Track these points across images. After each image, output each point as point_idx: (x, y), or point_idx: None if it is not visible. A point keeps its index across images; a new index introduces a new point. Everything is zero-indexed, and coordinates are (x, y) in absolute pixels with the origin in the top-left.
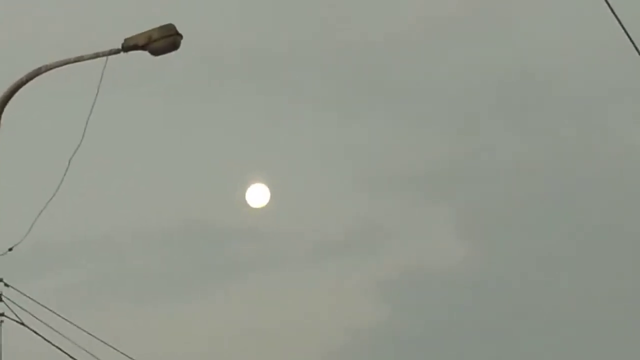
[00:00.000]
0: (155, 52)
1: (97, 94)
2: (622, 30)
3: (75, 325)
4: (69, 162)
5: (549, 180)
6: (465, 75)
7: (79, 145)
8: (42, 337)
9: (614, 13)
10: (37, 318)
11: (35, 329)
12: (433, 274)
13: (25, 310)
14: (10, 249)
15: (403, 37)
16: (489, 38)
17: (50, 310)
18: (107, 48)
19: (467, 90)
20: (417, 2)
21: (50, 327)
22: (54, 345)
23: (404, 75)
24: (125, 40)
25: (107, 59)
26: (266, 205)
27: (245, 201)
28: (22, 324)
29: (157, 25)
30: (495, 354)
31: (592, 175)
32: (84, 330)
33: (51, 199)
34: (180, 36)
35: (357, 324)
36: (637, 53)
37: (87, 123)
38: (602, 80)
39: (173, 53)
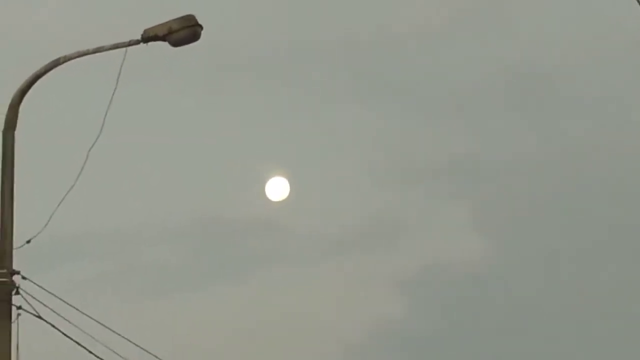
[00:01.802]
0: (176, 43)
1: (116, 86)
2: (632, 26)
3: (92, 318)
4: (88, 154)
5: (568, 176)
6: (483, 68)
7: (97, 138)
8: (60, 331)
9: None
10: (54, 311)
11: (52, 322)
12: (451, 270)
13: (43, 304)
14: (28, 241)
15: (425, 28)
16: (510, 31)
17: (68, 304)
18: (126, 39)
19: (486, 84)
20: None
21: (68, 321)
22: (71, 338)
23: (424, 69)
24: (145, 31)
25: (126, 50)
26: (286, 199)
27: (265, 194)
28: (40, 317)
29: (176, 16)
30: (514, 351)
31: (613, 172)
32: (101, 324)
33: (69, 191)
34: (201, 27)
35: (375, 319)
36: None
37: (105, 115)
38: (612, 75)
39: (193, 45)
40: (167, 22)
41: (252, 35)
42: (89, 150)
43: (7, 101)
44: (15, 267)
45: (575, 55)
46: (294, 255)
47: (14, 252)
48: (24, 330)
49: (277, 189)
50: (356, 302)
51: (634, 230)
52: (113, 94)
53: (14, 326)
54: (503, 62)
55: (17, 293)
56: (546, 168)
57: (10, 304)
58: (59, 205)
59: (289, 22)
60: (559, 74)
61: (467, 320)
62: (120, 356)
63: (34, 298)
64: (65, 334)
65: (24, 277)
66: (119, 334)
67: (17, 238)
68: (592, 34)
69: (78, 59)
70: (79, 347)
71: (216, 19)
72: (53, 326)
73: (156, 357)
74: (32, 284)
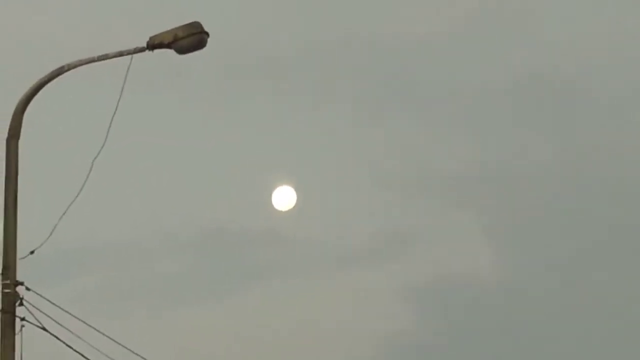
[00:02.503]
0: (181, 51)
1: (121, 94)
2: None
3: (96, 329)
4: (92, 164)
5: (580, 186)
6: (492, 77)
7: (102, 147)
8: (64, 342)
9: None
10: (58, 323)
11: (56, 334)
12: (460, 280)
13: (47, 315)
14: (32, 252)
15: (430, 38)
16: (515, 39)
17: (72, 315)
18: (132, 46)
19: (493, 93)
20: (429, 9)
21: (72, 332)
22: (75, 350)
23: (431, 78)
24: (151, 38)
25: (132, 58)
26: (292, 208)
27: (272, 204)
28: (44, 328)
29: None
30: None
31: (622, 180)
32: (106, 335)
33: (73, 201)
34: (207, 34)
35: (383, 331)
36: None
37: (110, 124)
38: (628, 81)
39: (199, 53)
40: (172, 30)
41: (257, 43)
42: (94, 160)
43: (11, 109)
44: (19, 278)
45: (589, 61)
46: (300, 266)
47: (18, 263)
48: (28, 342)
49: (284, 198)
50: (363, 314)
51: None
52: (118, 103)
53: (17, 337)
54: (514, 68)
55: (21, 304)
56: (556, 178)
57: (14, 315)
58: (62, 215)
59: (295, 28)
60: (571, 81)
61: (475, 331)
62: None
63: (38, 309)
64: (69, 346)
65: (27, 288)
66: (125, 346)
67: (21, 249)
68: (604, 38)
69: (83, 66)
70: (83, 358)
71: (220, 25)
72: (57, 338)
73: None
74: (36, 295)
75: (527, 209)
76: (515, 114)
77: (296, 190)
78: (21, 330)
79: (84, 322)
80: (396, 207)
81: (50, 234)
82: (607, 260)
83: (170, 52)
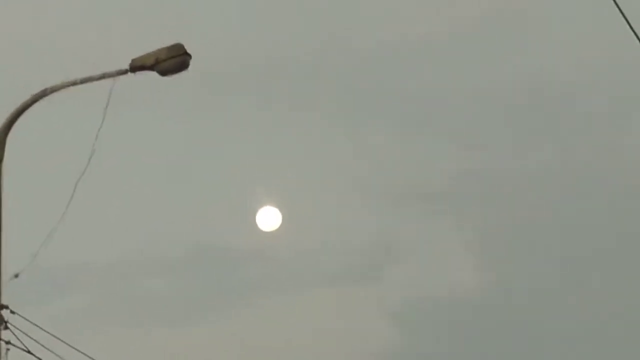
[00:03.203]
0: (164, 73)
1: (104, 117)
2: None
3: (82, 352)
4: (75, 186)
5: (569, 199)
6: (478, 87)
7: (85, 168)
8: None
9: (630, 27)
10: (43, 346)
11: (41, 357)
12: (445, 295)
13: (32, 338)
14: (16, 276)
15: (416, 46)
16: (502, 50)
17: (57, 338)
18: (114, 68)
19: (480, 104)
20: (428, 10)
21: (58, 355)
22: None
23: (417, 88)
24: (133, 60)
25: (114, 80)
26: (277, 229)
27: (256, 224)
28: (29, 352)
29: (165, 43)
30: None
31: (609, 191)
32: (91, 358)
33: (57, 224)
34: (189, 56)
35: (368, 348)
36: None
37: (94, 146)
38: (618, 93)
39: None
40: (154, 52)
41: (238, 54)
42: (77, 182)
43: None
44: (3, 301)
45: (584, 70)
46: (285, 285)
47: (2, 286)
48: None
49: (268, 218)
50: (348, 332)
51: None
52: (101, 125)
53: None
54: (500, 78)
55: (6, 328)
56: (546, 190)
57: None
58: (47, 237)
59: (277, 42)
60: (564, 90)
61: (462, 347)
62: None
63: (23, 333)
64: None
65: (12, 312)
66: None
67: (5, 272)
68: (603, 42)
69: (65, 89)
70: None
71: (202, 43)
72: None
73: None
74: (21, 318)
75: (513, 223)
76: (499, 125)
77: (280, 210)
78: (6, 353)
79: (70, 345)
80: (381, 225)
81: (34, 256)
82: (595, 271)
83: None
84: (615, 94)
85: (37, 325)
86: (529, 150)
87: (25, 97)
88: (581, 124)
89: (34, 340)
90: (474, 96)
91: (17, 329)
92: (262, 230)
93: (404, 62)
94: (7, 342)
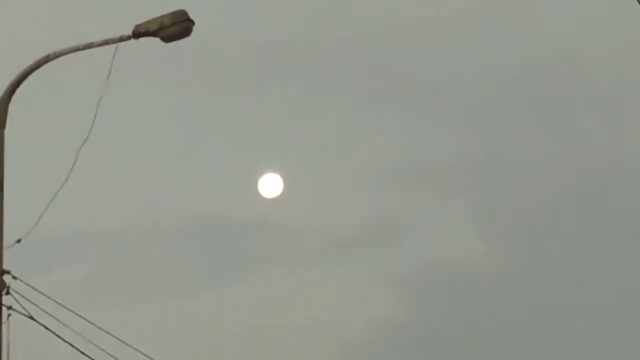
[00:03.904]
0: (167, 39)
1: (106, 83)
2: None
3: (85, 319)
4: (78, 152)
5: (570, 175)
6: (484, 68)
7: (88, 135)
8: (51, 331)
9: None
10: (45, 312)
11: (44, 323)
12: (452, 269)
13: (34, 304)
14: (18, 241)
15: (421, 29)
16: (510, 30)
17: (60, 304)
18: (117, 34)
19: (485, 84)
20: None
21: (59, 321)
22: (63, 340)
23: (422, 68)
24: (136, 26)
25: (117, 46)
26: (279, 196)
27: (258, 191)
28: (31, 317)
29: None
30: (515, 349)
31: (615, 172)
32: (94, 324)
33: (59, 189)
34: (192, 22)
35: (374, 319)
36: None
37: (96, 112)
38: (629, 76)
39: (184, 42)
40: (158, 18)
41: (244, 32)
42: (79, 149)
43: None
44: (5, 266)
45: (585, 54)
46: (288, 254)
47: (4, 251)
48: (15, 331)
49: (270, 185)
50: (354, 302)
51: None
52: (103, 92)
53: (4, 327)
54: (505, 60)
55: (8, 293)
56: (549, 168)
57: (0, 303)
58: (49, 204)
59: (283, 23)
60: (567, 73)
61: (467, 319)
62: (113, 357)
63: (25, 298)
64: (57, 335)
65: (14, 277)
66: (113, 335)
67: (7, 237)
68: (601, 32)
69: (69, 54)
70: (72, 348)
71: (207, 20)
72: (45, 327)
73: (149, 357)
74: (23, 283)
75: (518, 199)
76: (508, 105)
77: (282, 177)
78: (8, 319)
79: (72, 312)
80: (386, 195)
81: (37, 222)
82: (599, 249)
83: (156, 40)
84: (628, 80)
85: (40, 291)
86: (538, 132)
87: (29, 62)
88: (589, 109)
89: (36, 305)
90: (483, 78)
91: (19, 294)
92: (264, 197)
93: (409, 46)
94: (9, 308)
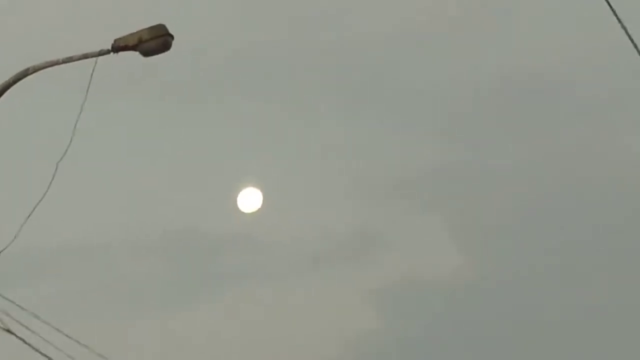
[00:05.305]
0: (146, 53)
1: (85, 97)
2: (626, 33)
3: (64, 333)
4: (57, 166)
5: (546, 186)
6: (460, 78)
7: (66, 149)
8: (30, 346)
9: (616, 16)
10: (24, 326)
11: (23, 337)
12: (428, 282)
13: (13, 318)
14: None
15: (397, 38)
16: (485, 40)
17: (39, 318)
18: (97, 49)
19: (461, 94)
20: (411, 1)
21: (39, 335)
22: (42, 354)
23: (398, 79)
24: (115, 40)
25: (96, 60)
26: (258, 210)
27: (237, 206)
28: (9, 331)
29: (147, 25)
30: None
31: (590, 180)
32: (73, 339)
33: (38, 203)
34: (172, 37)
35: (351, 333)
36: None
37: (75, 126)
38: (604, 84)
39: (163, 55)
40: (137, 32)
41: (223, 45)
42: (58, 162)
43: None
44: None
45: (570, 63)
46: (266, 269)
47: None
48: None
49: (250, 200)
50: (331, 316)
51: (623, 242)
52: (83, 105)
53: None
54: (479, 70)
55: None
56: (522, 179)
57: None
58: (28, 217)
59: (260, 33)
60: (540, 82)
61: (445, 332)
62: None
63: (3, 312)
64: (35, 349)
65: None
66: (92, 349)
67: None
68: (576, 39)
69: (47, 69)
70: None
71: (185, 30)
72: (23, 341)
73: None
74: (2, 297)
75: (494, 211)
76: (481, 115)
77: (262, 192)
78: None
79: (51, 326)
80: (363, 209)
81: (15, 236)
82: (577, 261)
83: (136, 54)
84: (605, 86)
85: (19, 306)
86: (514, 142)
87: (6, 76)
88: (566, 117)
89: (16, 320)
90: (459, 88)
91: None
92: (243, 212)
93: (387, 56)
94: None
